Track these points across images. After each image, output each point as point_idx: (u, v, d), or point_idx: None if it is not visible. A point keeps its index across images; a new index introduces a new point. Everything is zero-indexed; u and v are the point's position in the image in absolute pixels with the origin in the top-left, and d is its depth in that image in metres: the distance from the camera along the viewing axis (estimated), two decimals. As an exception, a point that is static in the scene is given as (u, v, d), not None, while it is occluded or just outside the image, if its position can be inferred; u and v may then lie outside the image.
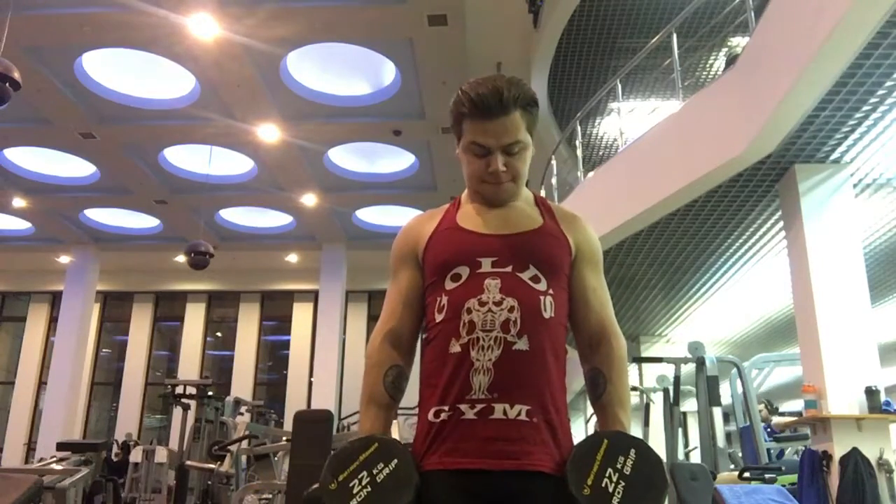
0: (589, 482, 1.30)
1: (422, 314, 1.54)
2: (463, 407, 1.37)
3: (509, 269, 1.45)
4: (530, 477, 1.34)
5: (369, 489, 1.33)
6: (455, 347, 1.41)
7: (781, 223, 6.22)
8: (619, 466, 1.32)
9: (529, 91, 1.50)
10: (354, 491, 1.33)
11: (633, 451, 1.34)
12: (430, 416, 1.41)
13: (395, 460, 1.36)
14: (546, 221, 1.54)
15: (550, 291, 1.46)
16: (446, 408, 1.39)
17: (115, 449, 11.33)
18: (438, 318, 1.46)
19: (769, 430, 7.20)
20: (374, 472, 1.35)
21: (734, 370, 7.67)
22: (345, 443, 1.42)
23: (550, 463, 1.36)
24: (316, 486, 1.40)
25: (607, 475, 1.31)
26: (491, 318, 1.40)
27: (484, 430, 1.35)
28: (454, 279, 1.46)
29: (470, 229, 1.51)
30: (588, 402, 13.75)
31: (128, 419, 15.25)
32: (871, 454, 4.81)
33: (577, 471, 1.32)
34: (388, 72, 8.94)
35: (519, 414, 1.36)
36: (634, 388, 7.93)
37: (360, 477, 1.34)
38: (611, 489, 1.30)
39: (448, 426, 1.38)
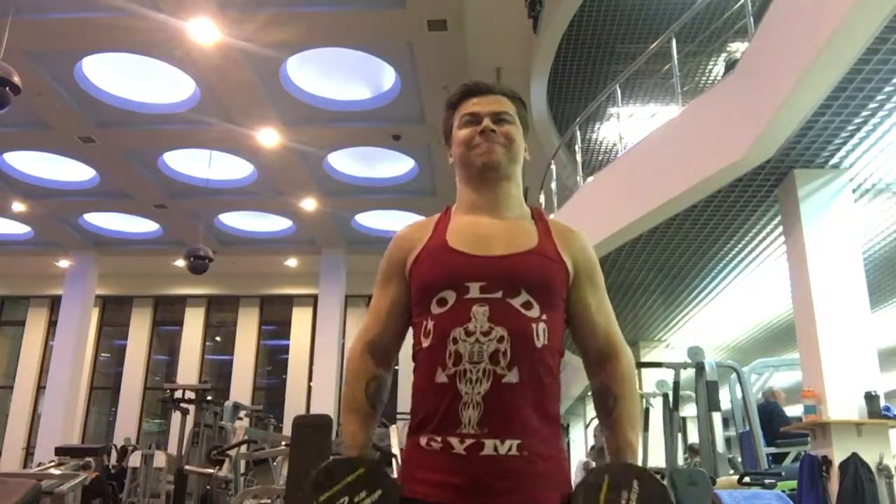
0: None
1: (406, 326, 1.51)
2: (453, 441, 1.32)
3: (499, 294, 1.37)
4: None
5: None
6: (441, 377, 1.36)
7: (781, 228, 6.21)
8: (623, 503, 1.28)
9: (516, 90, 1.57)
10: None
11: (636, 483, 1.30)
12: (422, 442, 1.37)
13: (379, 491, 1.33)
14: (541, 240, 1.47)
15: (544, 317, 1.39)
16: (438, 438, 1.34)
17: (112, 457, 11.20)
18: (425, 343, 1.41)
19: None
20: (356, 499, 1.32)
21: (734, 375, 7.65)
22: (331, 460, 1.39)
23: (544, 495, 1.33)
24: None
25: None
26: (479, 349, 1.34)
27: (474, 467, 1.31)
28: (440, 304, 1.40)
29: (458, 249, 1.43)
30: (587, 407, 13.67)
31: (126, 424, 15.25)
32: (870, 459, 4.79)
33: None
34: (387, 76, 8.95)
35: (510, 449, 1.31)
36: (634, 393, 7.90)
37: (341, 501, 1.32)
38: None
39: (437, 457, 1.34)
